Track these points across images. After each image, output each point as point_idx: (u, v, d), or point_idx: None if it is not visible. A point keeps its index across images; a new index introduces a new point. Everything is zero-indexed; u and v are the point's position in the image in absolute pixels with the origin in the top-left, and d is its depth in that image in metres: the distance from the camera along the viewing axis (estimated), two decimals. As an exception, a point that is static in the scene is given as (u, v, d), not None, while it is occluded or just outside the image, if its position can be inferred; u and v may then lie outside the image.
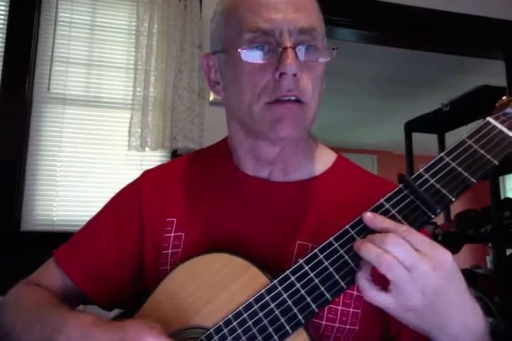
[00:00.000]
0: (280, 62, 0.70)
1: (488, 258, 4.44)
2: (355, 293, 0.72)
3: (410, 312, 0.57)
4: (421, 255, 0.56)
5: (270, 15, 0.71)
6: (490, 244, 3.16)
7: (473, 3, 2.49)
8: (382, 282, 0.58)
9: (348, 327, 0.71)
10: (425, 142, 3.02)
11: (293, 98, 0.72)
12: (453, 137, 0.62)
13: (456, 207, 3.03)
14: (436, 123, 2.71)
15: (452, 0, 2.46)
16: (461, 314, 0.59)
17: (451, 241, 2.81)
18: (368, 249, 0.58)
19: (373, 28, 2.45)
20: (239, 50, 0.72)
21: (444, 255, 0.57)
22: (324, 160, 0.85)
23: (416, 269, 0.55)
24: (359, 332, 0.72)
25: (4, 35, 1.98)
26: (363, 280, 0.59)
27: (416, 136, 2.84)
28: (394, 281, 0.56)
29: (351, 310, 0.71)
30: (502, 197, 2.57)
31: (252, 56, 0.72)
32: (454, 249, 2.94)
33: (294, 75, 0.70)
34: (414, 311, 0.57)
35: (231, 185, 0.82)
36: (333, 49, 0.75)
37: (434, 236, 2.89)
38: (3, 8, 2.01)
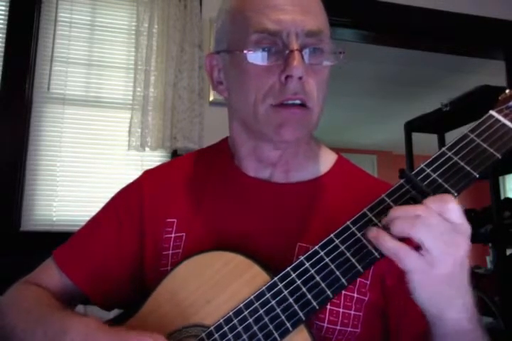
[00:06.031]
0: (286, 65, 0.69)
1: (488, 258, 4.44)
2: (355, 295, 0.72)
3: (439, 279, 0.56)
4: (453, 225, 0.55)
5: (278, 16, 0.70)
6: (490, 244, 3.16)
7: (473, 3, 2.49)
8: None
9: (349, 329, 0.71)
10: (425, 142, 3.01)
11: (298, 102, 0.71)
12: (453, 137, 0.62)
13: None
14: (436, 123, 2.71)
15: (452, 0, 2.46)
16: (468, 285, 0.60)
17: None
18: (396, 220, 0.56)
19: (373, 28, 2.45)
20: (245, 51, 0.71)
21: (468, 225, 0.57)
22: (325, 161, 0.84)
23: (451, 239, 0.55)
24: (361, 334, 0.72)
25: (4, 35, 1.98)
26: (390, 240, 0.56)
27: (416, 136, 2.83)
28: (429, 247, 0.54)
29: (352, 312, 0.71)
30: (502, 197, 2.56)
31: (258, 58, 0.71)
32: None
33: (300, 78, 0.69)
34: (443, 279, 0.56)
35: (232, 186, 0.82)
36: (340, 53, 0.74)
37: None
38: (3, 8, 2.01)
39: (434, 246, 0.54)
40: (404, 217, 0.56)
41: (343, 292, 0.69)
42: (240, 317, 0.63)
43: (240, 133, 0.81)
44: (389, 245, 0.56)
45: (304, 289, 0.61)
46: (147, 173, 0.90)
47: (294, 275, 0.62)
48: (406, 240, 0.56)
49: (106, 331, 0.63)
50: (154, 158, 2.07)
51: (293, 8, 0.71)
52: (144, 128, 1.97)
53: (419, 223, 0.54)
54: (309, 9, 0.72)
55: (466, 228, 0.57)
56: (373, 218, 0.60)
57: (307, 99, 0.71)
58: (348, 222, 0.62)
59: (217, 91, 0.83)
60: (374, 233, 0.58)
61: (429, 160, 0.61)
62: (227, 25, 0.77)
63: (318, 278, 0.61)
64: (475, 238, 2.59)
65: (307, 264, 0.62)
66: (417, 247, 0.56)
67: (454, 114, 2.45)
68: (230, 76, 0.78)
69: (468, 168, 0.59)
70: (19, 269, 0.83)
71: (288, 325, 0.61)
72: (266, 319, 0.62)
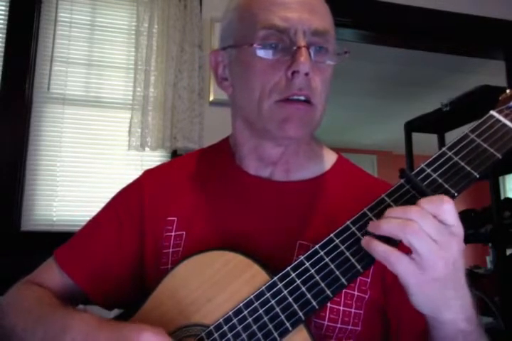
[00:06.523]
0: (293, 61, 0.70)
1: (488, 258, 4.44)
2: (356, 293, 0.72)
3: (434, 282, 0.55)
4: (446, 227, 0.55)
5: (286, 14, 0.71)
6: (490, 244, 3.16)
7: (473, 3, 2.49)
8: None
9: (350, 327, 0.71)
10: (425, 142, 3.01)
11: (302, 98, 0.72)
12: (453, 137, 0.62)
13: (456, 207, 3.02)
14: (436, 123, 2.70)
15: (452, 0, 2.46)
16: (465, 286, 0.59)
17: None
18: (388, 221, 0.56)
19: (373, 28, 2.45)
20: (254, 45, 0.72)
21: (461, 226, 0.57)
22: (326, 160, 0.85)
23: (443, 241, 0.54)
24: (361, 332, 0.72)
25: (4, 35, 1.98)
26: (381, 245, 0.56)
27: (416, 136, 2.83)
28: (419, 250, 0.54)
29: (353, 310, 0.71)
30: (502, 197, 2.56)
31: (265, 53, 0.72)
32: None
33: (306, 74, 0.70)
34: (438, 281, 0.55)
35: (233, 185, 0.82)
36: (346, 52, 0.76)
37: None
38: (3, 8, 2.01)
39: (425, 249, 0.54)
40: (396, 220, 0.55)
41: (344, 290, 0.69)
42: (239, 317, 0.63)
43: (243, 131, 0.82)
44: (380, 250, 0.56)
45: (303, 289, 0.61)
46: (147, 173, 0.90)
47: (293, 274, 0.62)
48: (400, 243, 0.56)
49: (107, 328, 0.63)
50: (154, 158, 2.07)
51: (299, 6, 0.72)
52: (144, 128, 1.97)
53: (410, 228, 0.54)
54: (315, 9, 0.74)
55: (460, 230, 0.56)
56: (373, 218, 0.60)
57: (312, 95, 0.72)
58: (348, 222, 0.62)
59: (221, 87, 0.83)
60: (365, 239, 0.58)
61: (429, 160, 0.61)
62: (235, 23, 0.78)
63: (317, 278, 0.61)
64: (475, 238, 2.59)
65: (307, 264, 0.62)
66: (409, 251, 0.55)
67: (454, 114, 2.45)
68: (236, 72, 0.78)
69: (469, 168, 0.59)
70: (19, 269, 0.83)
71: (287, 324, 0.61)
72: (265, 318, 0.62)
